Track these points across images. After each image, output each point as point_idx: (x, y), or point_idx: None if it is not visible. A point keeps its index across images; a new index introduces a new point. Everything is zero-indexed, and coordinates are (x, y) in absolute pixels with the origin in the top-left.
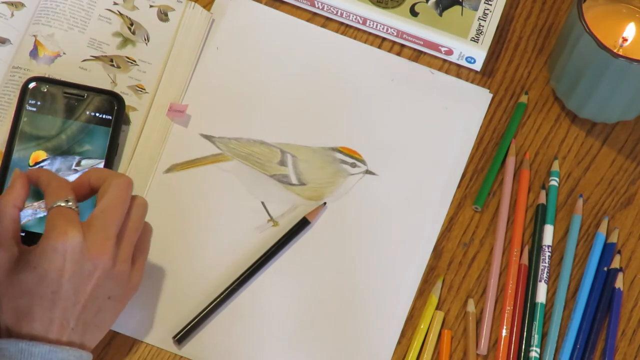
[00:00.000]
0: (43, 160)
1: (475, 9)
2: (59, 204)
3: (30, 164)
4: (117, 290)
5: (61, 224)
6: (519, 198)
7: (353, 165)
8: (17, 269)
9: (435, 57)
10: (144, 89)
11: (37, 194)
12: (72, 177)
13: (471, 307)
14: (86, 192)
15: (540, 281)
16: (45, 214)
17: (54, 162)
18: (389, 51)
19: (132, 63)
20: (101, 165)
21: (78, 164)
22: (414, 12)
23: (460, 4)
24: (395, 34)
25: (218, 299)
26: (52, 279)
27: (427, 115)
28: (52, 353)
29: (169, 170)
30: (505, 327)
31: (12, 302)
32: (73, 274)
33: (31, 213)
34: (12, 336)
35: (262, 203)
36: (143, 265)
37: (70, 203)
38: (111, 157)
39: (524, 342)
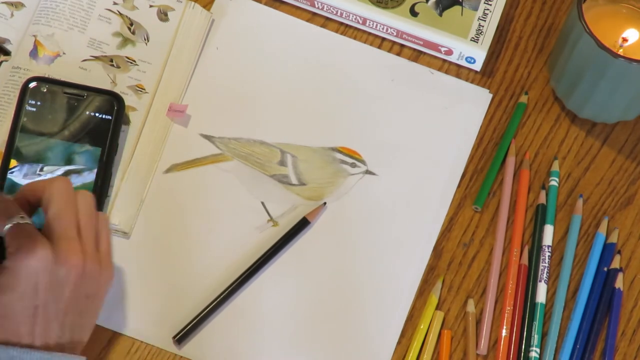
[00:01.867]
0: (14, 167)
1: (475, 9)
2: (15, 221)
3: None
4: (93, 286)
5: (26, 241)
6: (519, 198)
7: (353, 165)
8: None
9: (435, 57)
10: (144, 89)
11: None
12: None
13: (471, 307)
14: (26, 209)
15: (540, 281)
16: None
17: (22, 168)
18: (389, 51)
19: (132, 63)
20: (89, 174)
21: (41, 170)
22: (414, 12)
23: (460, 4)
24: (395, 34)
25: (218, 299)
26: (30, 296)
27: (427, 115)
28: None
29: (169, 170)
30: (505, 327)
31: None
32: (50, 284)
33: None
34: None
35: (262, 203)
36: (109, 256)
37: (25, 219)
38: (111, 157)
39: (524, 342)
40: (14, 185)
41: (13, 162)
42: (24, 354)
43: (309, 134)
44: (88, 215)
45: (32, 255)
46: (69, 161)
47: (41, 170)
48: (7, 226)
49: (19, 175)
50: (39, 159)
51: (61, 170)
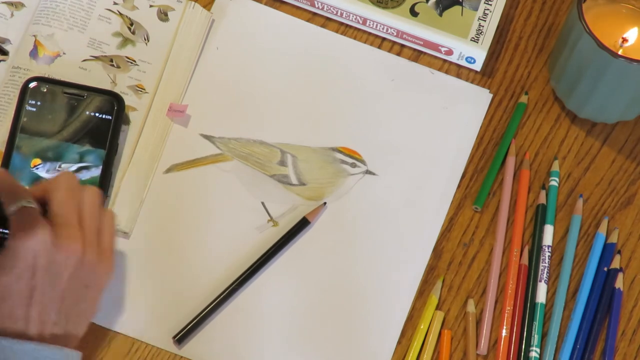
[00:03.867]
0: (38, 165)
1: (475, 9)
2: (22, 204)
3: (32, 167)
4: (91, 277)
5: (27, 223)
6: (519, 198)
7: (353, 165)
8: None
9: (435, 57)
10: (144, 89)
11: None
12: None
13: (471, 307)
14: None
15: (540, 281)
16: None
17: (45, 165)
18: (389, 51)
19: (132, 63)
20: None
21: (59, 167)
22: (414, 12)
23: (460, 4)
24: (395, 34)
25: (218, 299)
26: (27, 277)
27: (427, 115)
28: (37, 352)
29: (169, 170)
30: (505, 327)
31: None
32: (47, 268)
33: None
34: None
35: (262, 203)
36: (111, 250)
37: (31, 203)
38: (111, 157)
39: (524, 342)
40: (40, 179)
41: (38, 161)
42: (15, 345)
43: (309, 134)
44: (92, 207)
45: (31, 237)
46: (69, 161)
47: (59, 167)
48: (13, 208)
49: (42, 171)
50: (40, 159)
51: (75, 167)
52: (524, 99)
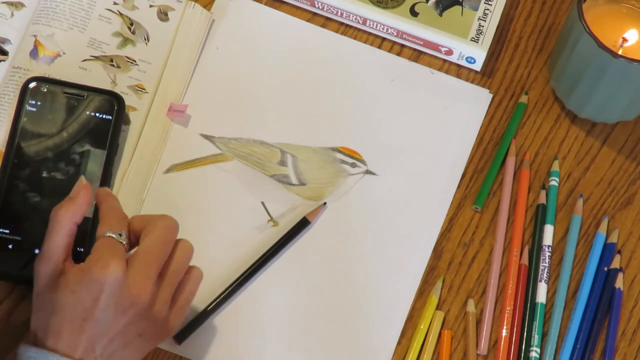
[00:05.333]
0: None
1: (475, 9)
2: (110, 234)
3: None
4: (150, 330)
5: (107, 255)
6: (519, 198)
7: (353, 165)
8: (56, 286)
9: (435, 57)
10: (144, 89)
11: None
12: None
13: (471, 307)
14: (132, 241)
15: (540, 281)
16: None
17: (45, 167)
18: (389, 51)
19: (132, 63)
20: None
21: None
22: (414, 12)
23: (460, 4)
24: (395, 34)
25: (218, 299)
26: (86, 307)
27: (427, 115)
28: None
29: (169, 170)
30: (505, 327)
31: (44, 317)
32: (107, 306)
33: None
34: (37, 345)
35: (262, 203)
36: (183, 309)
37: (122, 237)
38: (111, 157)
39: (524, 342)
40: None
41: None
42: (45, 357)
43: (309, 134)
44: (180, 264)
45: (103, 270)
46: (69, 161)
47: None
48: (103, 234)
49: (45, 172)
50: (39, 160)
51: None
52: (524, 99)
